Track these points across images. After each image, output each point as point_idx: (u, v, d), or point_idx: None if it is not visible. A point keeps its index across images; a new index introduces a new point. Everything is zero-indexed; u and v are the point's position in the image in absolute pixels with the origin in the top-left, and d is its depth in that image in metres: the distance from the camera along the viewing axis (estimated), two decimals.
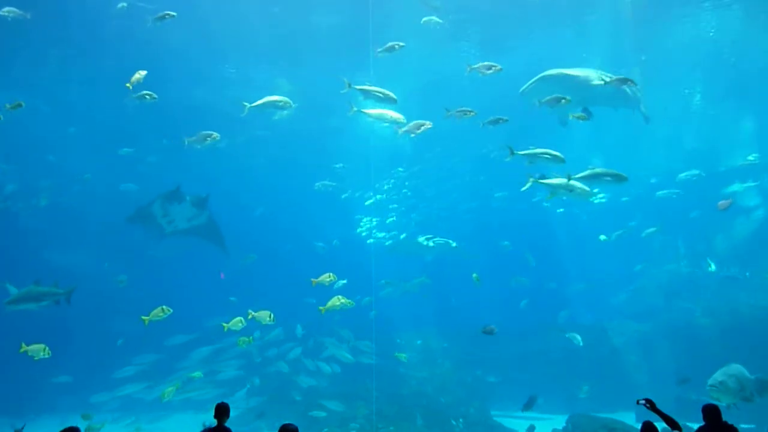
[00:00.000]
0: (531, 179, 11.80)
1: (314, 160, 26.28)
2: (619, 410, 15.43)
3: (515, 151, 11.90)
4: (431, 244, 20.40)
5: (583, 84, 15.09)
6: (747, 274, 21.37)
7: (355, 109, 12.87)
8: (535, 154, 11.97)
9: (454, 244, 20.43)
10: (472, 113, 12.96)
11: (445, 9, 17.11)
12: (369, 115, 13.10)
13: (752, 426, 13.61)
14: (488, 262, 23.11)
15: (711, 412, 6.51)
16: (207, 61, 20.52)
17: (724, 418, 6.51)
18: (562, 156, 11.93)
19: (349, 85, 12.57)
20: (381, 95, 12.72)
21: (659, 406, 6.03)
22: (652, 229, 21.18)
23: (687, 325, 18.82)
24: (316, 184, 22.69)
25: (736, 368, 9.59)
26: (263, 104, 13.69)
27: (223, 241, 21.96)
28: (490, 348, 19.32)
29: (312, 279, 12.57)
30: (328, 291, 14.05)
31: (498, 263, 22.88)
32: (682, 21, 19.47)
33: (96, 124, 23.30)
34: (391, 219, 26.60)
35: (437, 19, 15.52)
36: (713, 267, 20.93)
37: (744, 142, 24.46)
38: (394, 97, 12.72)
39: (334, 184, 22.87)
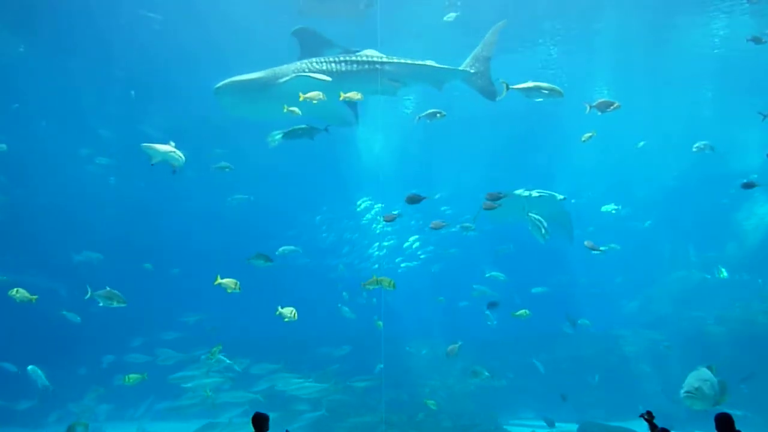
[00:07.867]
0: None
1: (323, 170, 26.20)
2: (630, 419, 15.19)
3: None
4: (535, 194, 16.64)
5: (266, 86, 12.75)
6: (759, 281, 21.13)
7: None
8: None
9: (561, 197, 16.88)
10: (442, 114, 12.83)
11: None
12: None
13: None
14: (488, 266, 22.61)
15: (724, 422, 6.36)
16: (212, 69, 20.58)
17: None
18: None
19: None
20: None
21: (672, 415, 5.93)
22: (605, 247, 17.59)
23: (699, 333, 18.58)
24: (228, 197, 21.61)
25: (705, 373, 9.38)
26: (527, 89, 11.88)
27: None
28: (499, 356, 19.12)
29: (363, 283, 12.06)
30: None
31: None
32: (692, 28, 19.33)
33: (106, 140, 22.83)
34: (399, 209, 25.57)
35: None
36: (725, 274, 20.58)
37: (754, 148, 24.19)
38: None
39: (246, 197, 21.62)
